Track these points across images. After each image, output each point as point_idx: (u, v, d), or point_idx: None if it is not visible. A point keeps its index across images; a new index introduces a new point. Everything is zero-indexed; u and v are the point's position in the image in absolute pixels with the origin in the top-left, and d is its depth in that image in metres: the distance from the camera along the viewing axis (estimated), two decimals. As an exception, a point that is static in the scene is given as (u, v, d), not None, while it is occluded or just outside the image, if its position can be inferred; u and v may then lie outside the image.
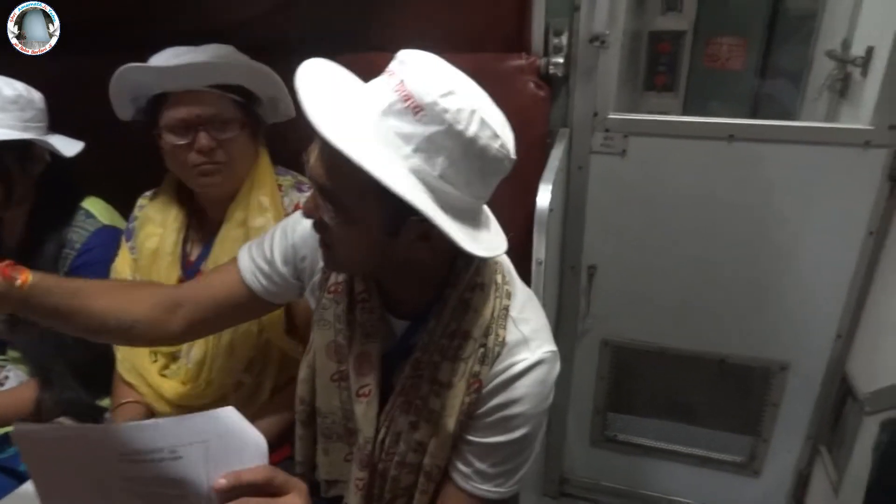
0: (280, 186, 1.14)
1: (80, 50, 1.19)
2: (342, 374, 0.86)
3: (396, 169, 0.62)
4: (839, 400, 1.42)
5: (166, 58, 1.03)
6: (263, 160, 1.14)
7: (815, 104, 1.84)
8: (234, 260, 0.91)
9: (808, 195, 1.31)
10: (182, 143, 1.02)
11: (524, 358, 0.76)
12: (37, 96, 1.14)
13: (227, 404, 1.14)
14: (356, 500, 0.86)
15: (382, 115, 0.62)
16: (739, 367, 1.52)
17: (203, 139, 1.02)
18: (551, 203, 1.05)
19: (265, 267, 0.89)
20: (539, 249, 1.04)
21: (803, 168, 1.30)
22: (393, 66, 0.65)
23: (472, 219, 0.70)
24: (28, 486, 1.01)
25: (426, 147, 0.62)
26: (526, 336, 0.77)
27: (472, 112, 0.62)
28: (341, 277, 0.84)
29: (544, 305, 0.94)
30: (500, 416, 0.77)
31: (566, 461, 1.78)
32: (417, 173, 0.63)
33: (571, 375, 1.63)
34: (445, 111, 0.61)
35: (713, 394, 1.60)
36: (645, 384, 1.65)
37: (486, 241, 0.71)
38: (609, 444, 1.72)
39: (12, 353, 1.24)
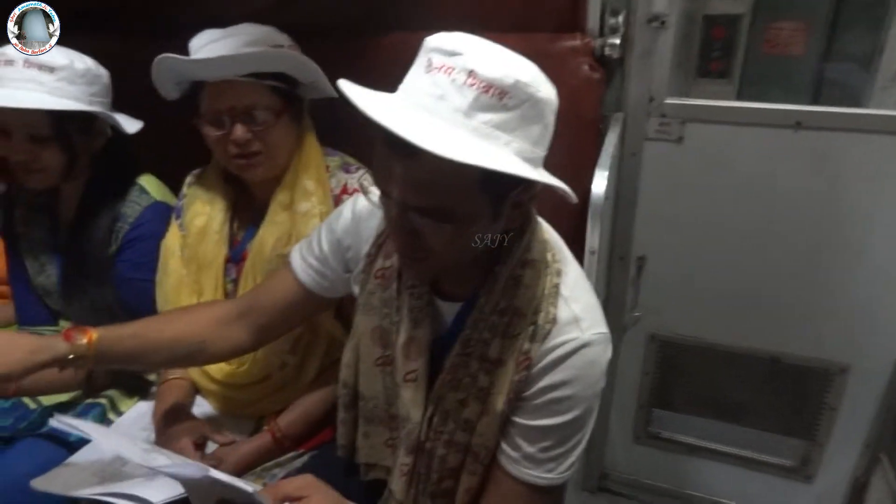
0: (327, 167, 1.12)
1: (129, 29, 1.21)
2: (387, 359, 0.85)
3: (510, 158, 0.62)
4: (904, 406, 1.34)
5: (203, 42, 1.02)
6: (309, 142, 1.12)
7: (885, 91, 1.73)
8: (287, 263, 0.94)
9: (879, 187, 1.23)
10: (219, 133, 1.02)
11: (575, 337, 0.74)
12: (104, 72, 1.15)
13: (271, 384, 1.17)
14: (400, 485, 0.86)
15: (467, 114, 0.60)
16: (795, 368, 1.45)
17: (238, 131, 1.01)
18: (606, 191, 1.01)
19: (316, 264, 0.91)
20: (593, 239, 1.01)
21: (874, 159, 1.22)
22: (440, 59, 0.61)
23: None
24: (77, 457, 1.04)
25: (521, 125, 0.62)
26: (577, 315, 0.75)
27: (537, 73, 0.64)
28: (389, 262, 0.83)
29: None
30: (550, 398, 0.75)
31: (607, 456, 1.74)
32: (520, 153, 0.63)
33: (616, 369, 1.59)
34: (527, 85, 0.61)
35: (764, 394, 1.53)
36: (692, 381, 1.60)
37: (562, 186, 0.71)
38: (652, 441, 1.68)
39: (64, 324, 1.27)
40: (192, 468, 0.57)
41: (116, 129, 1.18)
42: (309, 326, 1.12)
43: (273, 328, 0.97)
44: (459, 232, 0.66)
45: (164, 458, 0.63)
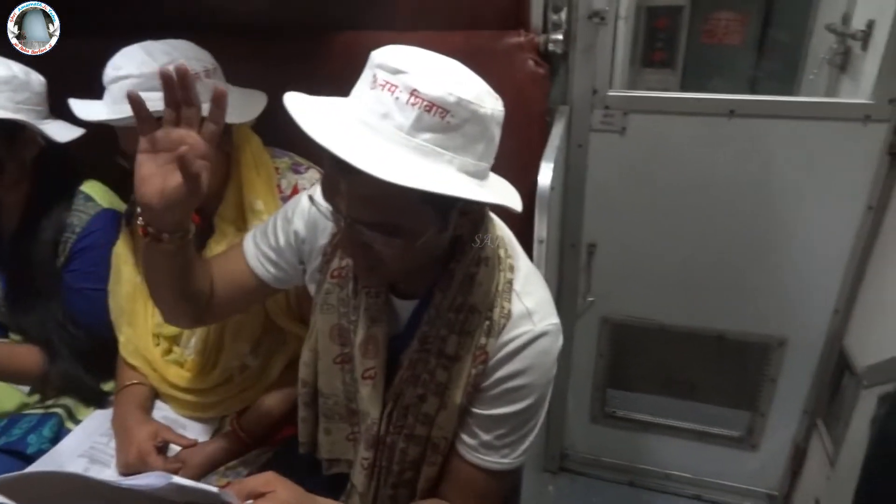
0: (277, 169, 1.11)
1: (80, 32, 1.18)
2: (345, 357, 0.87)
3: (452, 176, 0.63)
4: (836, 374, 1.43)
5: (109, 74, 0.96)
6: (248, 157, 1.07)
7: (812, 79, 1.83)
8: (239, 246, 0.93)
9: (808, 170, 1.31)
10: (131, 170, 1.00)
11: (528, 330, 0.77)
12: (35, 79, 1.11)
13: (233, 386, 1.16)
14: (362, 479, 0.87)
15: (410, 133, 0.61)
16: (738, 343, 1.53)
17: None
18: (552, 181, 1.05)
19: (270, 254, 0.90)
20: (541, 228, 1.04)
21: (803, 143, 1.29)
22: (384, 75, 0.61)
23: (487, 178, 0.71)
24: (34, 468, 1.02)
25: (465, 142, 0.63)
26: (529, 309, 0.78)
27: (482, 88, 0.64)
28: (345, 262, 0.84)
29: (545, 284, 0.95)
30: (505, 388, 0.78)
31: (566, 437, 1.80)
32: (463, 168, 0.64)
33: (571, 353, 1.65)
34: (469, 102, 0.62)
35: (711, 369, 1.62)
36: (644, 361, 1.67)
37: (507, 193, 0.73)
38: (608, 420, 1.74)
39: (14, 337, 1.24)
40: (154, 478, 0.57)
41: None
42: (269, 329, 1.13)
43: (222, 308, 0.95)
44: (408, 244, 0.67)
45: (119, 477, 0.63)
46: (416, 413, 0.82)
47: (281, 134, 1.12)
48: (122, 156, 0.98)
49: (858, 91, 1.31)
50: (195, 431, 1.15)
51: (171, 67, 0.72)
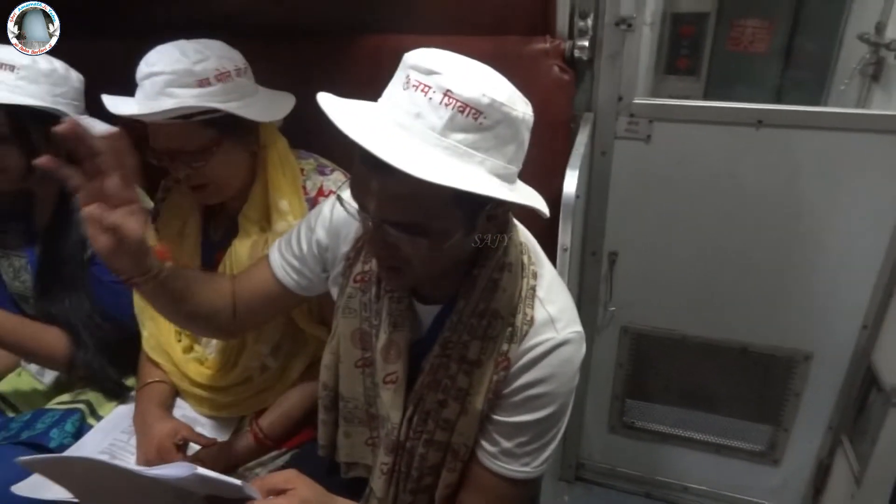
0: (302, 170, 1.12)
1: (113, 33, 1.20)
2: (367, 361, 0.87)
3: (483, 177, 0.63)
4: (863, 390, 1.40)
5: (143, 71, 0.97)
6: (275, 157, 1.08)
7: (842, 90, 1.80)
8: (265, 258, 0.94)
9: (837, 183, 1.29)
10: (160, 166, 1.02)
11: (551, 337, 0.76)
12: (74, 76, 1.14)
13: (253, 386, 1.17)
14: (381, 484, 0.87)
15: (442, 133, 0.61)
16: (762, 356, 1.50)
17: (176, 170, 1.01)
18: (577, 189, 1.04)
19: (295, 263, 0.91)
20: (565, 237, 1.03)
21: (833, 155, 1.27)
22: (417, 76, 0.62)
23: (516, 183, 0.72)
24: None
25: (496, 144, 0.64)
26: (552, 316, 0.77)
27: (513, 91, 0.65)
28: (368, 266, 0.84)
29: (566, 292, 0.94)
30: (527, 395, 0.77)
31: (583, 447, 1.78)
32: (493, 170, 0.64)
33: (591, 362, 1.63)
34: (502, 105, 0.62)
35: (733, 382, 1.59)
36: (664, 372, 1.65)
37: (535, 198, 0.73)
38: (626, 431, 1.72)
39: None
40: (179, 468, 0.58)
41: None
42: (290, 331, 1.13)
43: (251, 317, 0.97)
44: (435, 246, 0.67)
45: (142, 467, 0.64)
46: (437, 418, 0.82)
47: (306, 136, 1.14)
48: (152, 153, 1.00)
49: (891, 102, 1.28)
50: (213, 430, 1.16)
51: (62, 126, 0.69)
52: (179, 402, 1.20)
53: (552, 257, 1.03)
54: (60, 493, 0.87)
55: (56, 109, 1.10)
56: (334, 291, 0.91)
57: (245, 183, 1.08)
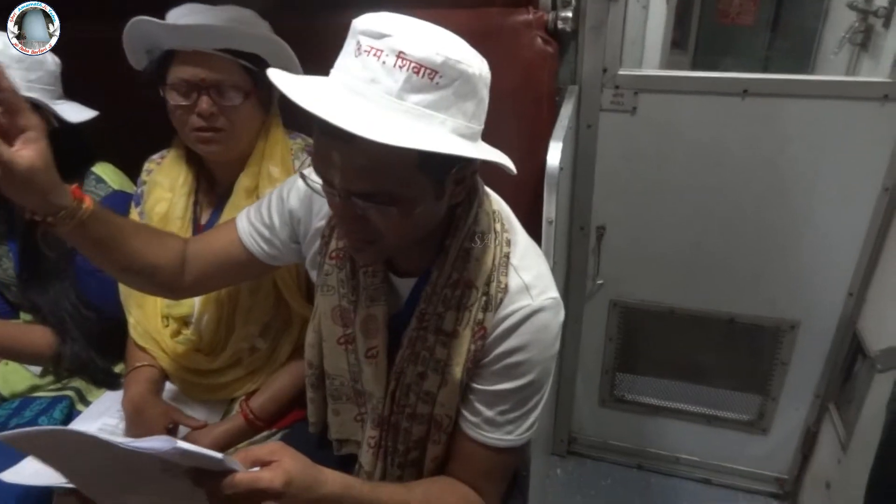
0: (291, 150, 1.12)
1: (95, 13, 1.17)
2: (348, 338, 0.87)
3: (447, 137, 0.62)
4: (849, 358, 1.42)
5: (181, 14, 1.01)
6: (275, 128, 1.11)
7: (829, 59, 1.79)
8: (233, 221, 0.93)
9: (823, 151, 1.29)
10: (184, 104, 1.01)
11: (526, 304, 0.76)
12: (50, 59, 1.11)
13: (242, 368, 1.16)
14: (368, 458, 0.88)
15: (399, 96, 0.60)
16: (749, 326, 1.52)
17: (204, 103, 1.00)
18: (561, 161, 1.03)
19: (264, 231, 0.90)
20: (549, 209, 1.03)
21: (819, 123, 1.27)
22: (368, 41, 0.60)
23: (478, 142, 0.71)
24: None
25: (455, 103, 0.63)
26: (527, 283, 0.77)
27: (467, 49, 0.64)
28: (342, 243, 0.83)
29: (554, 266, 0.94)
30: (506, 364, 0.77)
31: (574, 421, 1.80)
32: (456, 130, 0.64)
33: (580, 336, 1.64)
34: (457, 62, 0.61)
35: (722, 353, 1.61)
36: (653, 344, 1.66)
37: (500, 156, 0.72)
38: (617, 404, 1.74)
39: (25, 317, 1.25)
40: (160, 441, 0.58)
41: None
42: (279, 312, 1.13)
43: (211, 281, 0.95)
44: (405, 213, 0.66)
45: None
46: (418, 391, 0.82)
47: (295, 119, 1.13)
48: (177, 87, 1.00)
49: (878, 70, 1.28)
50: (204, 413, 1.15)
51: None
52: (169, 385, 1.19)
53: (538, 231, 1.03)
54: (49, 480, 0.87)
55: (29, 97, 1.06)
56: (313, 274, 0.90)
57: (245, 152, 1.09)
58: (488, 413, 0.80)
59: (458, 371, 0.78)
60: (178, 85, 1.00)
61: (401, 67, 0.59)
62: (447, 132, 0.63)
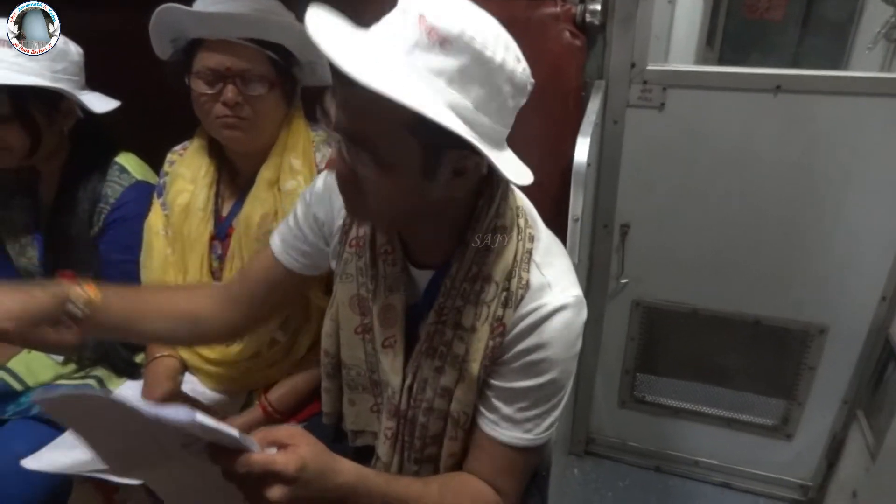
0: (312, 142, 1.12)
1: (117, 3, 1.17)
2: (366, 327, 0.86)
3: (435, 102, 0.60)
4: (880, 364, 1.38)
5: (208, 2, 1.01)
6: (297, 120, 1.12)
7: (863, 55, 1.74)
8: (267, 247, 0.93)
9: (857, 149, 1.25)
10: (209, 92, 1.01)
11: (548, 302, 0.74)
12: (73, 49, 1.12)
13: (262, 360, 1.17)
14: (385, 450, 0.87)
15: (408, 53, 0.60)
16: (775, 330, 1.48)
17: (229, 92, 1.00)
18: (588, 158, 1.01)
19: (295, 242, 0.90)
20: (576, 206, 1.01)
21: (853, 121, 1.23)
22: (403, 3, 0.62)
23: (501, 148, 0.69)
24: (67, 436, 1.04)
25: (459, 79, 0.61)
26: (549, 280, 0.75)
27: (497, 37, 0.62)
28: (363, 231, 0.83)
29: (577, 264, 0.92)
30: (526, 361, 0.76)
31: (593, 421, 1.78)
32: (455, 107, 0.61)
33: (601, 335, 1.61)
34: (473, 39, 0.59)
35: (746, 356, 1.57)
36: (676, 345, 1.63)
37: (517, 169, 0.70)
38: (637, 405, 1.71)
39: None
40: (180, 411, 0.58)
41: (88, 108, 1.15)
42: (299, 305, 1.13)
43: (261, 310, 0.96)
44: (383, 171, 0.65)
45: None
46: (435, 386, 0.81)
47: (315, 111, 1.12)
48: (203, 75, 1.01)
49: (916, 66, 1.24)
50: (222, 405, 1.16)
51: None
52: (188, 377, 1.20)
53: (563, 228, 1.01)
54: (68, 466, 0.87)
55: (56, 87, 1.08)
56: (333, 263, 0.90)
57: (267, 144, 1.09)
58: (507, 410, 0.79)
59: (475, 367, 0.77)
60: (204, 73, 1.00)
61: (417, 27, 0.59)
62: (441, 102, 0.61)
